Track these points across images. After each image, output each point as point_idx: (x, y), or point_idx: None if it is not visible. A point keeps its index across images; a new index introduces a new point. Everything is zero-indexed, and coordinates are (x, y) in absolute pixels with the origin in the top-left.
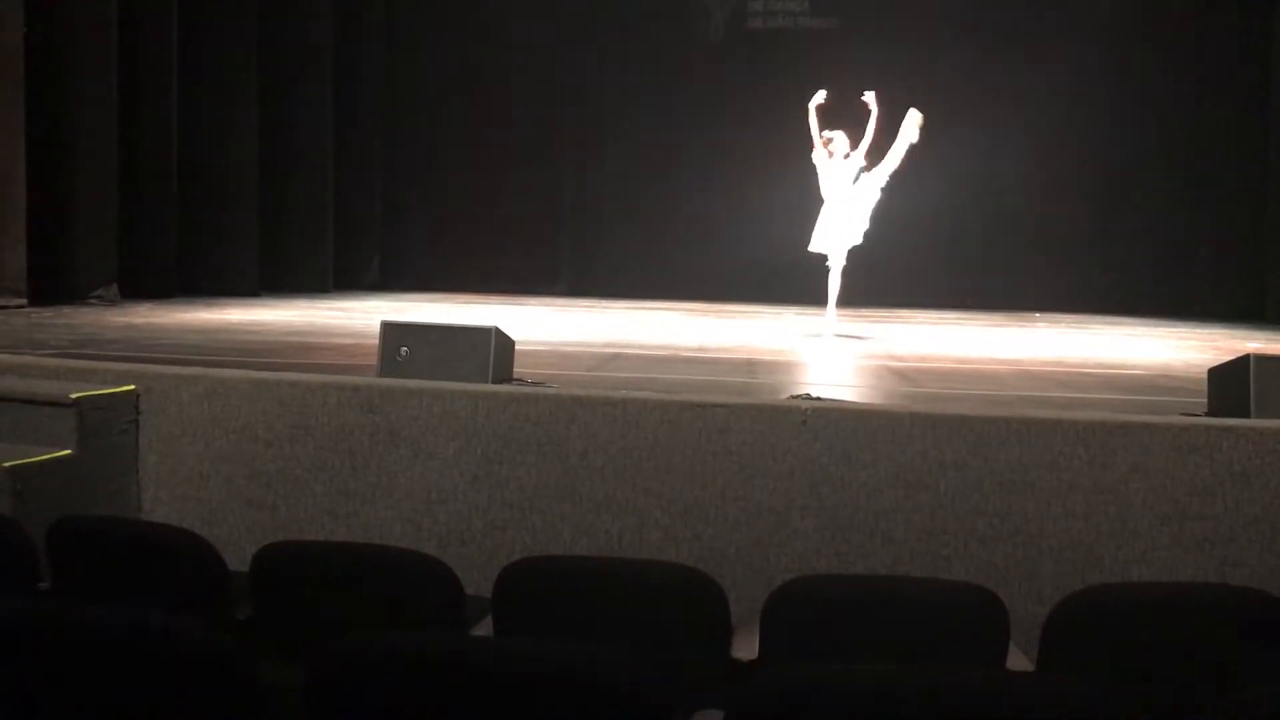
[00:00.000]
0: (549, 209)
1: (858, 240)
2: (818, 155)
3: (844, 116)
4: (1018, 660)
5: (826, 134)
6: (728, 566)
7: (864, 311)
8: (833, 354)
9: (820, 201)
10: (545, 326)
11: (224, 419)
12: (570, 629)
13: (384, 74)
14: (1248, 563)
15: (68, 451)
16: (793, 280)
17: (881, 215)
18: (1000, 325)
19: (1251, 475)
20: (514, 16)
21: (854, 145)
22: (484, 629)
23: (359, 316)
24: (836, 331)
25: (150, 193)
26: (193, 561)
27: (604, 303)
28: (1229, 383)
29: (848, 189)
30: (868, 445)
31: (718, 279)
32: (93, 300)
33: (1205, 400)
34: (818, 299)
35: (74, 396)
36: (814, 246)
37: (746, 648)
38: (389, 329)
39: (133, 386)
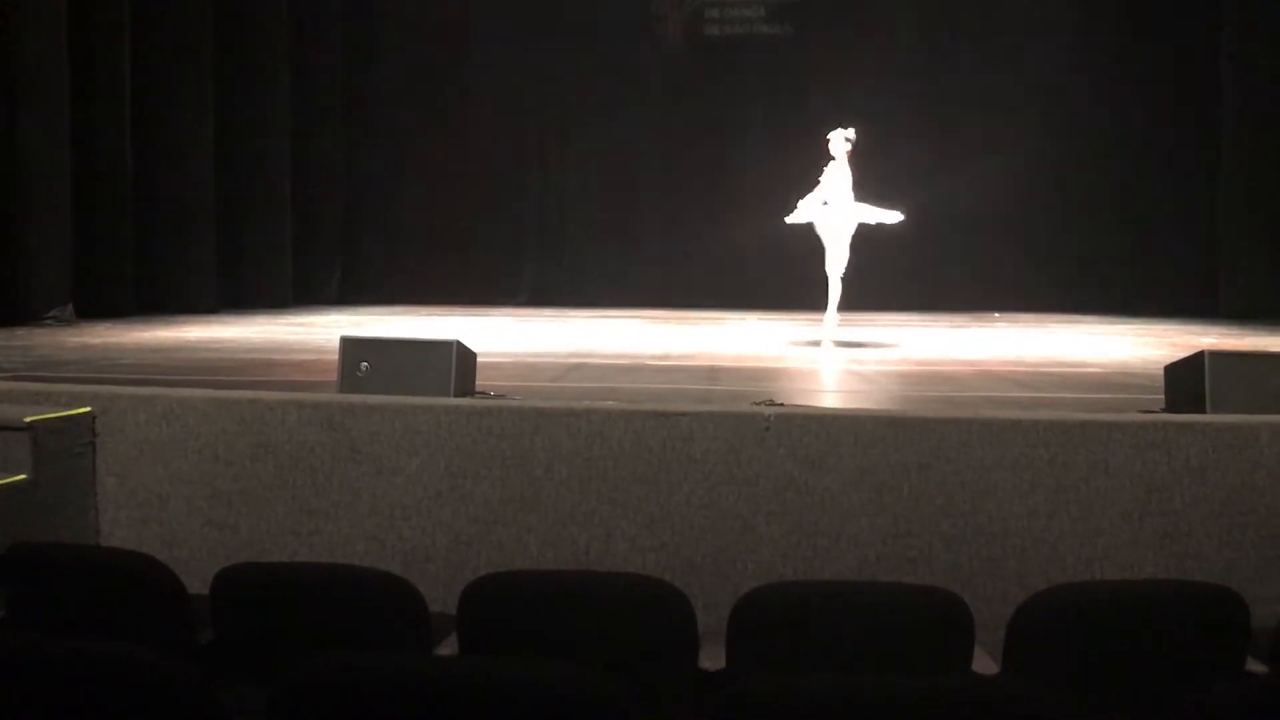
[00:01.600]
0: (510, 220)
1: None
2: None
3: (802, 131)
4: (983, 662)
5: (834, 133)
6: (695, 575)
7: (822, 315)
8: (794, 358)
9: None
10: (508, 337)
11: (183, 439)
12: (536, 644)
13: (342, 87)
14: (1207, 557)
15: (22, 476)
16: (754, 285)
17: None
18: (960, 326)
19: (1208, 470)
20: (472, 28)
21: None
22: (449, 647)
23: (319, 332)
24: (836, 338)
25: (105, 210)
26: (151, 587)
27: (567, 312)
28: (1185, 379)
29: (847, 190)
30: (831, 449)
31: (680, 286)
32: (48, 321)
33: (1162, 396)
34: (779, 304)
35: (28, 420)
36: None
37: (714, 658)
38: (349, 344)
39: (89, 408)
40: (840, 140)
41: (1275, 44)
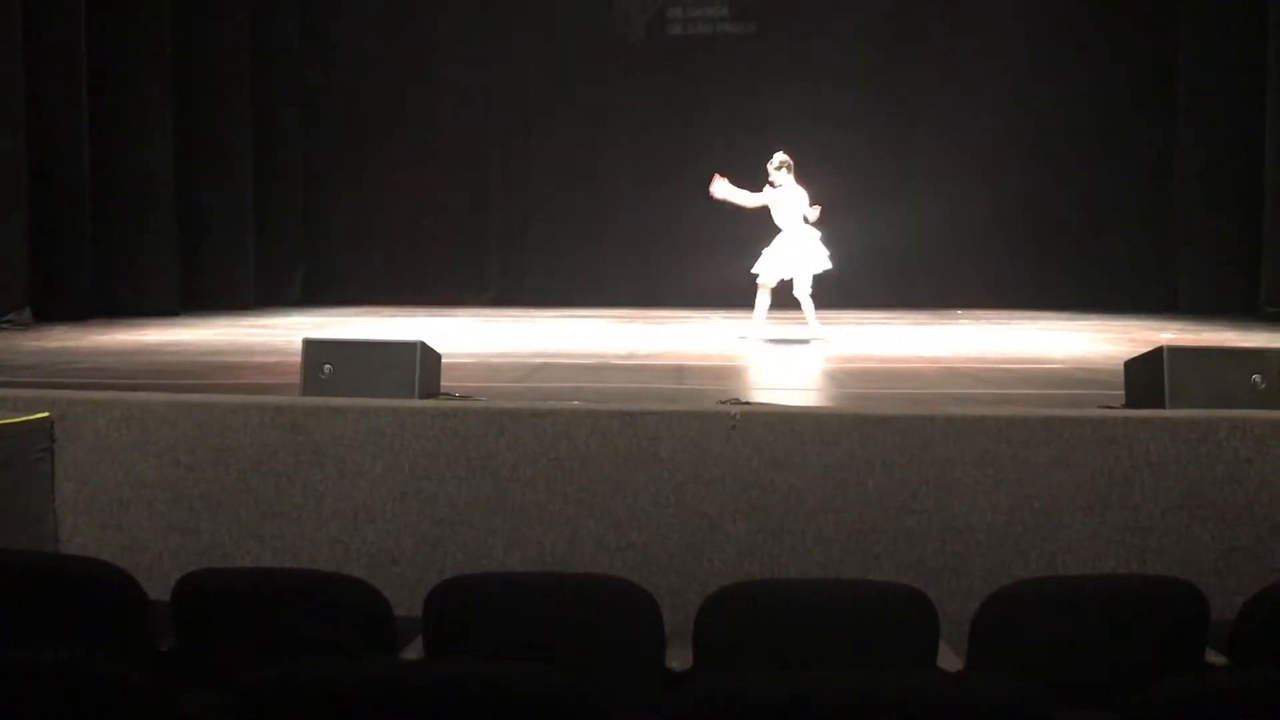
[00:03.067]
0: (473, 218)
1: (824, 266)
2: (766, 195)
3: (767, 129)
4: (948, 658)
5: (775, 161)
6: (661, 574)
7: (791, 312)
8: (759, 357)
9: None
10: (472, 337)
11: (143, 443)
12: (502, 647)
13: (302, 85)
14: (1167, 550)
15: None
16: (720, 284)
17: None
18: (923, 323)
19: (1168, 464)
20: (434, 26)
21: (781, 168)
22: (414, 650)
23: (281, 333)
24: (820, 336)
25: (62, 211)
26: (111, 594)
27: (531, 312)
28: (1144, 374)
29: (785, 217)
30: (796, 447)
31: (645, 284)
32: (4, 324)
33: (1122, 392)
34: (745, 303)
35: None
36: (762, 271)
37: (681, 657)
38: (311, 347)
39: (47, 413)
40: (779, 165)
41: (1230, 39)
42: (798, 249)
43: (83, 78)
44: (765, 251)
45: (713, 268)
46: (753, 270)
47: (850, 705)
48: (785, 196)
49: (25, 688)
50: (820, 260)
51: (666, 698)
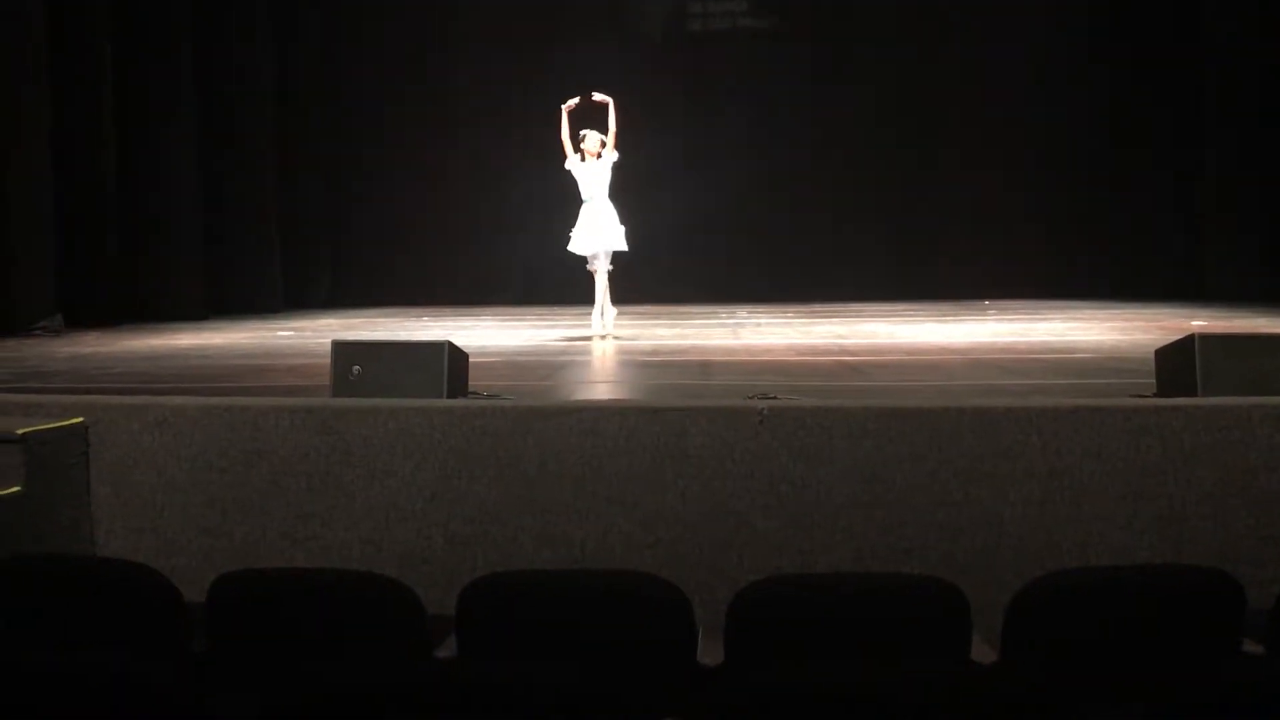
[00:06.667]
0: (497, 217)
1: (623, 245)
2: (571, 162)
3: (787, 124)
4: (981, 651)
5: (581, 134)
6: (691, 570)
7: (817, 306)
8: (784, 351)
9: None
10: (499, 336)
11: (176, 447)
12: (534, 644)
13: (326, 89)
14: (1201, 540)
15: (16, 489)
16: (744, 278)
17: (830, 210)
18: (951, 314)
19: (1201, 453)
20: (455, 28)
21: (603, 144)
22: (448, 648)
23: (310, 336)
24: (613, 332)
25: (92, 218)
26: (147, 596)
27: (556, 310)
28: (1175, 362)
29: (604, 189)
30: (825, 442)
31: (668, 281)
32: (37, 331)
33: (1154, 380)
34: (770, 297)
35: (21, 432)
36: (575, 248)
37: (712, 652)
38: (340, 348)
39: (81, 419)
40: (594, 139)
41: (1255, 27)
42: (609, 220)
43: (108, 85)
44: (577, 233)
45: (737, 263)
46: (584, 253)
47: (882, 699)
48: (604, 170)
49: (62, 689)
50: (618, 239)
51: (698, 694)
